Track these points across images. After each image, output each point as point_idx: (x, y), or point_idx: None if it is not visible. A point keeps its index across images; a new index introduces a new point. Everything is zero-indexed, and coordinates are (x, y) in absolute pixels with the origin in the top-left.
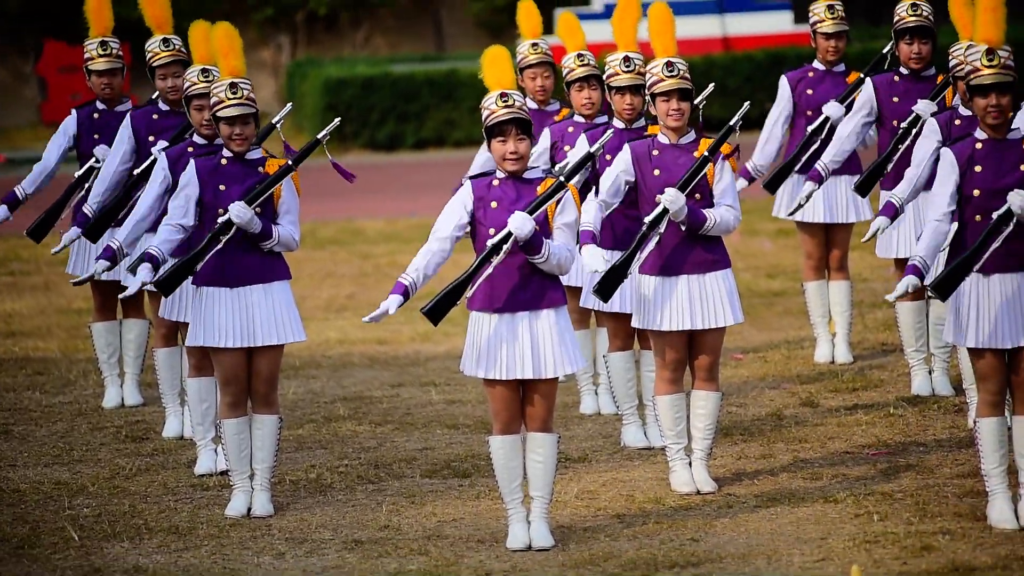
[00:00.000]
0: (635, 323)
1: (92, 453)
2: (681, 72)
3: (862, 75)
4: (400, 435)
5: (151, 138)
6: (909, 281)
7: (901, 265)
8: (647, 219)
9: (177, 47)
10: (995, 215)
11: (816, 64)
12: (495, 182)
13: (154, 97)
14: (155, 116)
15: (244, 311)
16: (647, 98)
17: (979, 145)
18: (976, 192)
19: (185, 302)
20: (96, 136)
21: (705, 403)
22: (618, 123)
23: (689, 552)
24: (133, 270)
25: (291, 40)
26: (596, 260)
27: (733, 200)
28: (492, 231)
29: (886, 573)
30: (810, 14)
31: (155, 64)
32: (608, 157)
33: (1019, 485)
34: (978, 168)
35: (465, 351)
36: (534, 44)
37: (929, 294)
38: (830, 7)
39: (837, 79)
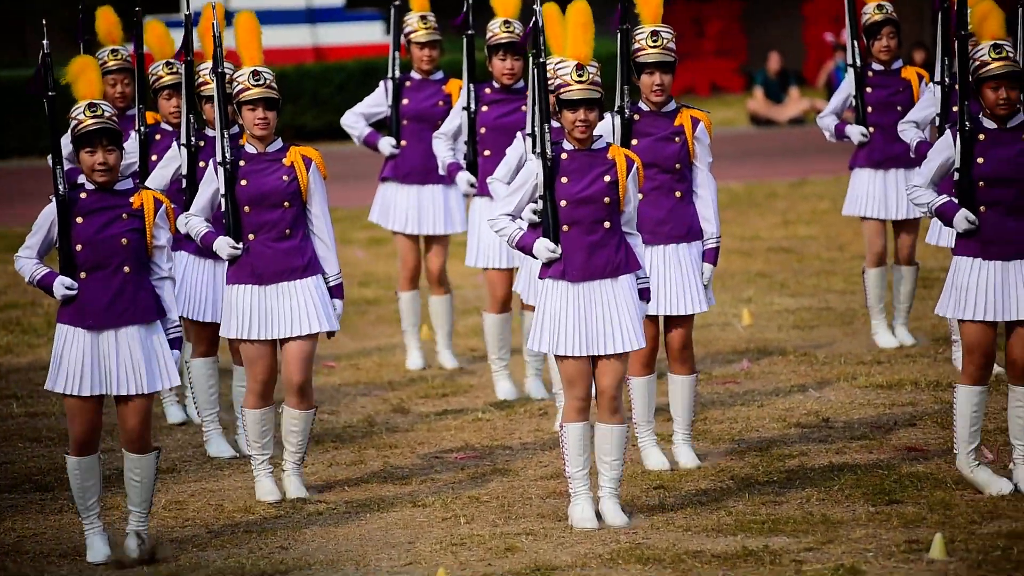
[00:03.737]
0: (223, 332)
1: None
2: (268, 81)
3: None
4: None
5: None
6: None
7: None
8: None
9: None
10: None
11: (413, 74)
12: (83, 195)
13: None
14: None
15: None
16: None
17: (564, 156)
18: (563, 203)
19: None
20: None
21: (296, 422)
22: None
23: (278, 560)
24: None
25: None
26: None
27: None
28: (79, 247)
29: (471, 575)
30: (404, 24)
31: None
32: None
33: (599, 487)
34: (564, 179)
35: (52, 366)
36: (114, 50)
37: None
38: (423, 17)
39: (435, 87)
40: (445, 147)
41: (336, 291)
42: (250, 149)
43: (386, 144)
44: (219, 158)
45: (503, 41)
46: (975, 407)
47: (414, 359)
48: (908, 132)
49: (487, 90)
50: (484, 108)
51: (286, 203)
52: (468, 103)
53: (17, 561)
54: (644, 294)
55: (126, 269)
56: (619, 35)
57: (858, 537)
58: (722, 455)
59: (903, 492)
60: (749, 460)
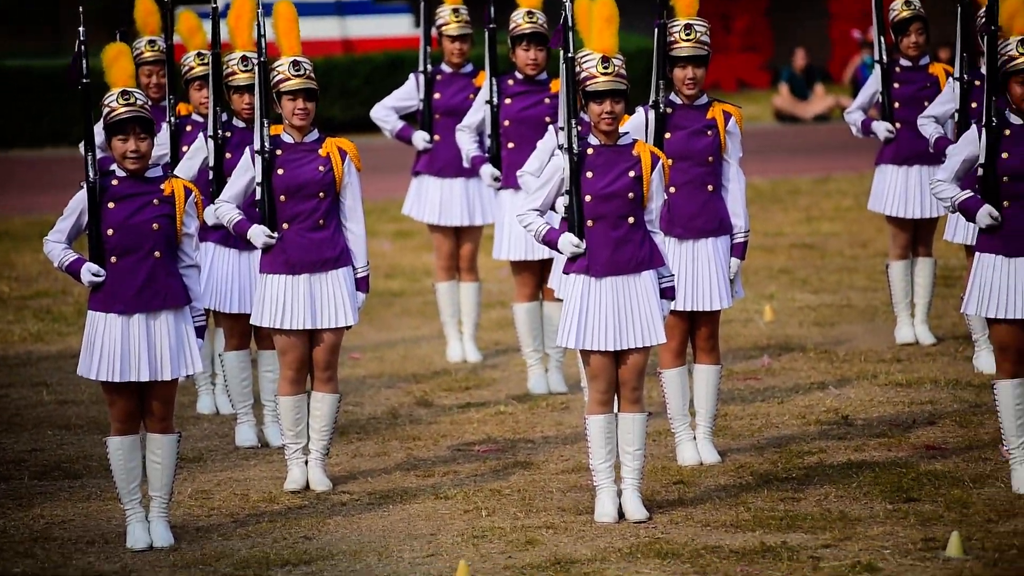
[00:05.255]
0: (254, 320)
1: None
2: (308, 72)
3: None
4: (8, 437)
5: None
6: None
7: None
8: None
9: None
10: None
11: (444, 67)
12: (115, 182)
13: None
14: None
15: None
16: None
17: (590, 151)
18: (588, 197)
19: None
20: None
21: (320, 405)
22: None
23: (301, 550)
24: None
25: None
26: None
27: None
28: (110, 232)
29: (492, 567)
30: (436, 17)
31: None
32: None
33: (622, 480)
34: (589, 174)
35: (83, 353)
36: (151, 41)
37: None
38: (455, 11)
39: (465, 80)
40: (469, 139)
41: (362, 284)
42: (287, 139)
43: (420, 139)
44: (257, 147)
45: (527, 32)
46: (1018, 399)
47: (454, 350)
48: (928, 127)
49: (510, 82)
50: (508, 100)
51: (321, 193)
52: (491, 97)
53: (46, 548)
54: (668, 292)
55: (157, 254)
56: (656, 30)
57: (875, 534)
58: (742, 451)
59: (921, 490)
60: (768, 456)
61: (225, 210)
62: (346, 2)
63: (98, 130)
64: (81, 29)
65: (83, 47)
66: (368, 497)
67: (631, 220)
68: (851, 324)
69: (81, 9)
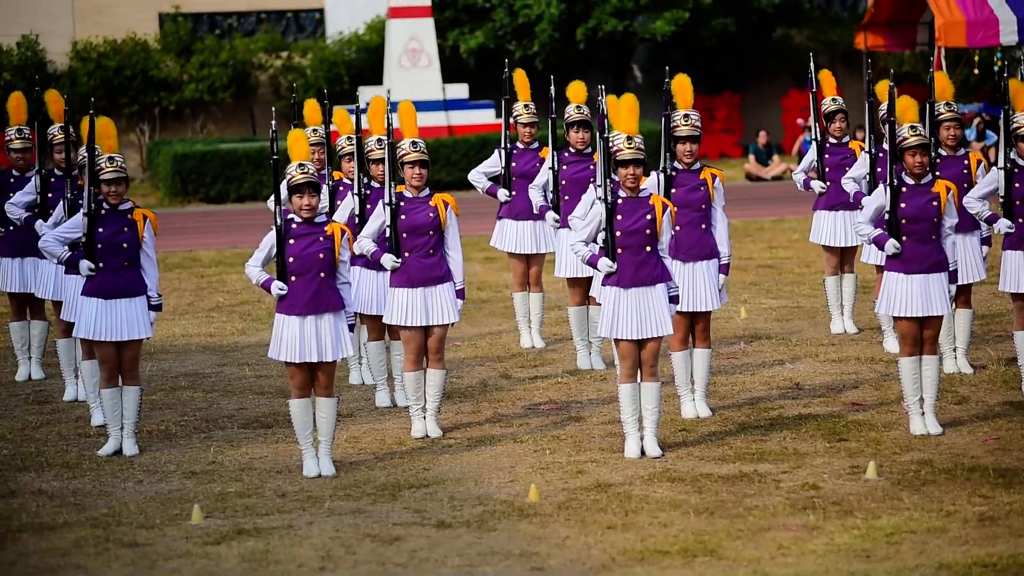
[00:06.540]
0: (386, 319)
1: (8, 412)
2: (422, 148)
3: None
4: (223, 399)
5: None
6: None
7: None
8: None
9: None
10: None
11: (518, 144)
12: (294, 226)
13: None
14: (52, 179)
15: (114, 314)
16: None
17: (620, 201)
18: (618, 233)
19: (73, 307)
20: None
21: (433, 378)
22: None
23: (422, 477)
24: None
25: (150, 126)
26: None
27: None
28: (291, 259)
29: (553, 489)
30: (513, 110)
31: (54, 143)
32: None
33: (644, 429)
34: (619, 217)
35: (272, 342)
36: (314, 130)
37: (598, 301)
38: (526, 105)
39: (533, 153)
40: (538, 194)
41: (460, 294)
42: (407, 194)
43: (502, 194)
44: (387, 200)
45: (576, 119)
46: (913, 371)
47: (525, 340)
48: (848, 185)
49: (566, 154)
50: (564, 167)
51: (431, 232)
52: (553, 165)
53: (249, 474)
54: (674, 299)
55: (322, 275)
56: (663, 119)
57: (818, 464)
58: (726, 408)
59: (849, 433)
60: (744, 411)
61: (365, 243)
62: (450, 100)
63: (282, 190)
64: (272, 123)
65: (274, 134)
66: (467, 441)
67: (648, 249)
68: (800, 320)
69: (274, 109)
